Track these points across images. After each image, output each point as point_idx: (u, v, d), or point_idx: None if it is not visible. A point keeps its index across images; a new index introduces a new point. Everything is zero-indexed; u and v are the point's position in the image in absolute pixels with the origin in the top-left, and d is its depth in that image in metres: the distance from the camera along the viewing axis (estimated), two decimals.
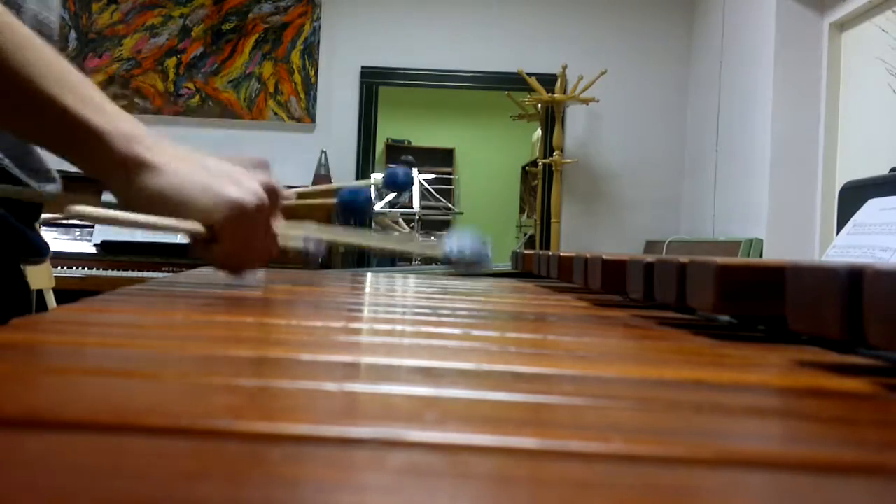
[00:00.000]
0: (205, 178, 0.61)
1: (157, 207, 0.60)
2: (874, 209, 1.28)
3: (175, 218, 0.61)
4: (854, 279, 0.33)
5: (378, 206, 4.00)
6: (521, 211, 6.53)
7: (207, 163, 0.63)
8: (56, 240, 3.20)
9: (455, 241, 0.85)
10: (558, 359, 0.38)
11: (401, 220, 4.84)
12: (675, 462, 0.20)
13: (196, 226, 0.62)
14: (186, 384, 0.28)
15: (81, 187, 0.97)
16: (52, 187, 0.75)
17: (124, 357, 0.34)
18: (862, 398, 0.30)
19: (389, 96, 4.40)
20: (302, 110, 4.10)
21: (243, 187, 0.63)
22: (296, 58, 4.10)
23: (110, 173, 0.60)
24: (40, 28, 0.69)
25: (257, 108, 4.10)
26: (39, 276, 2.32)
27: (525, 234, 5.63)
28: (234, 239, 0.64)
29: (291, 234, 0.76)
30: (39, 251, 0.75)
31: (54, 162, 0.70)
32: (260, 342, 0.41)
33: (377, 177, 1.30)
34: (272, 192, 0.66)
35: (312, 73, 4.10)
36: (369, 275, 1.10)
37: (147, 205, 0.60)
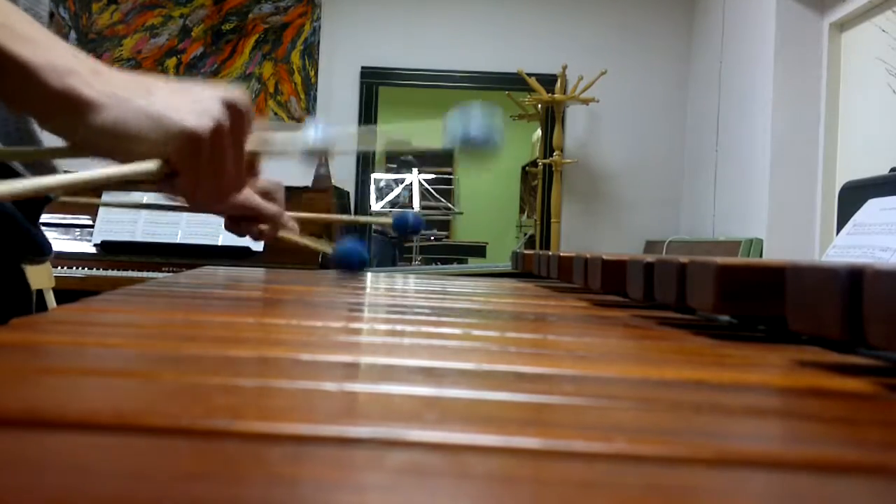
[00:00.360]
0: (152, 108, 0.56)
1: (105, 147, 0.55)
2: (874, 209, 1.28)
3: (124, 156, 0.56)
4: (854, 279, 0.33)
5: (378, 207, 4.00)
6: (521, 211, 6.53)
7: (156, 88, 0.57)
8: (56, 240, 3.20)
9: (459, 122, 0.69)
10: (559, 359, 0.38)
11: None
12: (676, 462, 0.20)
13: (151, 165, 0.56)
14: (186, 384, 0.28)
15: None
16: None
17: (124, 357, 0.34)
18: (862, 398, 0.30)
19: (389, 96, 4.39)
20: (302, 110, 4.10)
21: (196, 112, 0.57)
22: (296, 58, 4.10)
23: (48, 112, 0.54)
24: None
25: (257, 109, 4.09)
26: (39, 276, 2.32)
27: (525, 234, 5.63)
28: (196, 170, 0.58)
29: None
30: (42, 250, 0.75)
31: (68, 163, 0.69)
32: (260, 342, 0.41)
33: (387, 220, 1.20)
34: (234, 109, 0.59)
35: (312, 73, 4.10)
36: (369, 275, 1.10)
37: (94, 145, 0.55)
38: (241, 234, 0.87)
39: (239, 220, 0.85)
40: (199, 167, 0.58)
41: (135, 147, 0.55)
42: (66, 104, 0.53)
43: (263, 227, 0.85)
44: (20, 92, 0.53)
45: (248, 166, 0.65)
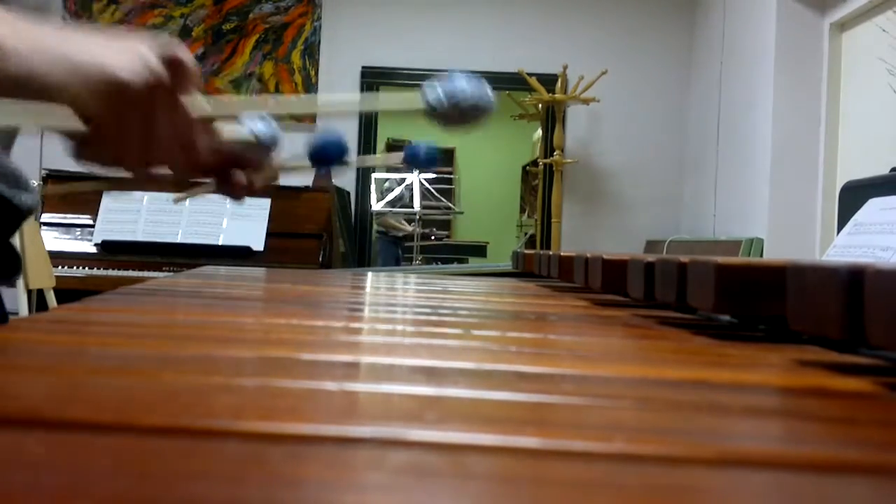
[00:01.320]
0: (73, 56, 0.49)
1: (22, 97, 0.49)
2: (874, 209, 1.28)
3: (40, 108, 0.50)
4: (855, 279, 0.33)
5: (379, 206, 4.00)
6: (522, 211, 6.53)
7: (80, 38, 0.51)
8: (56, 239, 3.20)
9: (439, 85, 0.62)
10: (559, 358, 0.38)
11: (402, 220, 4.83)
12: (676, 462, 0.20)
13: (71, 119, 0.50)
14: (187, 384, 0.28)
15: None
16: (28, 197, 0.70)
17: (124, 357, 0.34)
18: (863, 398, 0.30)
19: None
20: None
21: (126, 60, 0.50)
22: (296, 58, 4.10)
23: None
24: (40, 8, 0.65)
25: None
26: (40, 276, 2.32)
27: (526, 234, 5.63)
28: (125, 128, 0.51)
29: (228, 124, 0.61)
30: (15, 269, 0.73)
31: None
32: (260, 342, 0.41)
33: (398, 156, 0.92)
34: (175, 64, 0.52)
35: (313, 73, 4.10)
36: (370, 274, 1.10)
37: (10, 95, 0.49)
38: (237, 196, 0.71)
39: (226, 179, 0.69)
40: (129, 124, 0.51)
41: (54, 97, 0.49)
42: None
43: (255, 177, 0.70)
44: None
45: (203, 134, 0.56)
